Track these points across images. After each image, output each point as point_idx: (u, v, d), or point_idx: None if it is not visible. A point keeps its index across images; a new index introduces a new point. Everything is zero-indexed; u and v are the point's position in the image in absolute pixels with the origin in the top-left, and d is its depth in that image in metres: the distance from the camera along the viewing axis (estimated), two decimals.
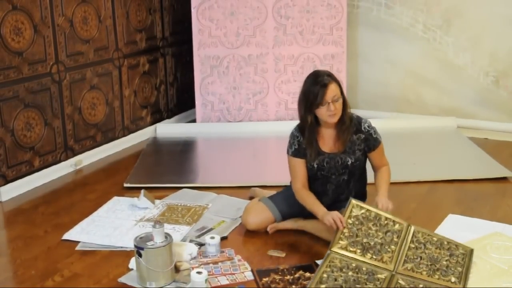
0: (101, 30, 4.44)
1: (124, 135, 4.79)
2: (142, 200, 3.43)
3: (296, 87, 4.98)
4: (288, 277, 2.61)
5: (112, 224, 3.22)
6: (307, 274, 2.62)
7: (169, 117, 5.39)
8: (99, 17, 4.41)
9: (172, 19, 5.29)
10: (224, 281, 2.61)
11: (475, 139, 4.64)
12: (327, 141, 2.87)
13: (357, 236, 2.58)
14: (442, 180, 3.78)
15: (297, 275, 2.62)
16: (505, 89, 4.87)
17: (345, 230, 2.59)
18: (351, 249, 2.53)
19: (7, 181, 3.72)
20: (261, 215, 3.04)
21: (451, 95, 5.11)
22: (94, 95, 4.43)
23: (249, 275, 2.65)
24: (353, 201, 2.70)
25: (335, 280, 2.38)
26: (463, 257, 2.58)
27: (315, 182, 2.92)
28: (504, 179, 3.80)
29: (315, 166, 2.86)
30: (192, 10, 4.98)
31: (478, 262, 2.67)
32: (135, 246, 2.55)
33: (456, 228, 3.05)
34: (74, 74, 4.22)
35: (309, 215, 2.98)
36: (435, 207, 3.37)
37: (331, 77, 2.74)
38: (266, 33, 5.02)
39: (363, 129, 2.86)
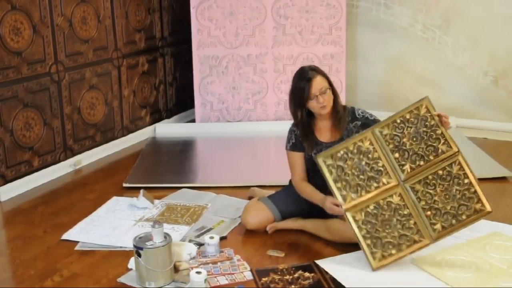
0: (100, 30, 4.44)
1: (123, 135, 4.78)
2: (141, 200, 3.43)
3: None
4: (288, 277, 2.61)
5: (111, 224, 3.21)
6: (307, 274, 2.62)
7: (168, 117, 5.39)
8: (98, 17, 4.41)
9: (171, 19, 5.28)
10: (223, 281, 2.60)
11: (475, 139, 4.64)
12: (324, 131, 2.92)
13: (349, 181, 2.66)
14: None
15: (296, 275, 2.62)
16: (504, 89, 4.87)
17: (338, 185, 2.68)
18: (354, 196, 2.64)
19: (6, 181, 3.71)
20: (260, 214, 3.04)
21: (450, 95, 5.11)
22: (93, 95, 4.43)
23: (248, 275, 2.65)
24: (319, 159, 2.72)
25: (376, 231, 2.60)
26: (429, 115, 2.66)
27: (314, 175, 2.93)
28: (503, 179, 3.80)
29: (314, 156, 2.88)
30: (191, 10, 4.98)
31: (478, 262, 2.67)
32: (134, 246, 2.55)
33: None
34: (73, 74, 4.22)
35: (308, 214, 2.98)
36: None
37: (315, 70, 2.81)
38: (265, 33, 5.02)
39: (357, 115, 2.91)
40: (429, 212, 2.62)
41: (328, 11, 5.00)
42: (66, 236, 3.10)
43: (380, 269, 2.60)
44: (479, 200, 2.61)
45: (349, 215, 2.64)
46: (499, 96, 4.90)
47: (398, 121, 2.70)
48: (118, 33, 4.63)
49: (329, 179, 2.69)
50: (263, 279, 2.60)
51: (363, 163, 2.67)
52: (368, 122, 2.89)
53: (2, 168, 3.69)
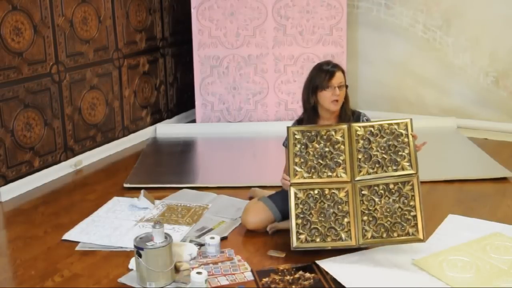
0: (101, 30, 4.44)
1: (124, 135, 4.79)
2: (142, 200, 3.43)
3: (296, 87, 4.99)
4: (288, 277, 2.61)
5: (112, 225, 3.22)
6: (307, 275, 2.62)
7: (169, 117, 5.39)
8: (99, 17, 4.41)
9: (172, 20, 5.29)
10: (224, 281, 2.61)
11: (475, 139, 4.64)
12: None
13: (307, 160, 2.76)
14: (442, 180, 3.78)
15: (297, 276, 2.62)
16: (505, 89, 4.87)
17: (296, 159, 2.76)
18: (306, 175, 2.74)
19: (7, 181, 3.72)
20: (260, 214, 3.05)
21: (451, 95, 5.11)
22: (94, 95, 4.43)
23: (249, 276, 2.65)
24: (290, 128, 2.83)
25: (310, 214, 2.68)
26: (405, 133, 2.74)
27: None
28: (504, 179, 3.80)
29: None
30: (192, 11, 4.98)
31: (478, 262, 2.67)
32: (135, 247, 2.55)
33: (456, 228, 3.05)
34: (74, 75, 4.22)
35: None
36: (435, 207, 3.37)
37: (338, 66, 2.92)
38: (266, 34, 5.02)
39: (361, 120, 2.96)
40: (366, 218, 2.68)
41: (329, 11, 5.00)
42: (67, 236, 3.10)
43: (298, 249, 2.70)
44: (415, 225, 2.65)
45: (292, 190, 2.74)
46: (500, 97, 4.90)
47: (376, 127, 2.79)
48: (119, 33, 4.64)
49: (291, 150, 2.79)
50: (264, 279, 2.60)
51: (327, 150, 2.76)
52: None
53: (2, 169, 3.69)
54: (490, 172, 3.89)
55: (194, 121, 5.28)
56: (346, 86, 2.91)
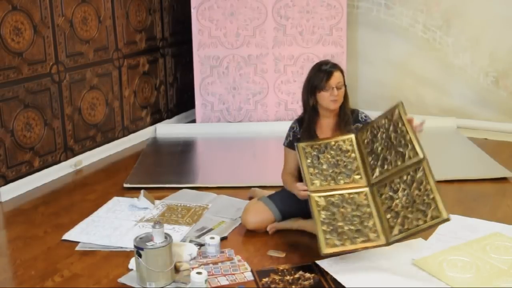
0: (101, 30, 4.44)
1: (124, 136, 4.79)
2: (142, 200, 3.43)
3: (296, 88, 4.99)
4: (288, 277, 2.61)
5: (112, 225, 3.22)
6: (307, 275, 2.61)
7: (169, 117, 5.39)
8: (99, 17, 4.41)
9: (172, 20, 5.29)
10: (224, 281, 2.60)
11: (475, 139, 4.64)
12: (325, 130, 2.96)
13: (322, 170, 2.78)
14: (442, 180, 3.77)
15: (297, 276, 2.62)
16: (505, 89, 4.87)
17: (311, 170, 2.79)
18: (323, 183, 2.75)
19: (7, 182, 3.72)
20: (260, 214, 3.05)
21: (451, 95, 5.11)
22: (94, 95, 4.43)
23: (249, 276, 2.65)
24: (299, 145, 2.86)
25: (334, 219, 2.65)
26: (406, 130, 2.71)
27: None
28: (504, 179, 3.80)
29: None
30: (192, 11, 4.98)
31: (478, 262, 2.67)
32: (135, 247, 2.55)
33: (456, 228, 3.05)
34: (74, 75, 4.22)
35: (309, 214, 2.97)
36: None
37: (336, 66, 2.92)
38: (266, 34, 5.02)
39: (360, 119, 2.97)
40: (389, 215, 2.64)
41: (329, 11, 5.00)
42: (67, 236, 3.10)
43: (328, 255, 2.62)
44: (436, 208, 2.58)
45: (312, 198, 2.73)
46: (500, 97, 4.90)
47: (375, 125, 2.80)
48: (119, 33, 4.64)
49: (304, 163, 2.81)
50: (264, 279, 2.60)
51: (339, 158, 2.80)
52: None
53: (2, 169, 3.69)
54: (490, 172, 3.89)
55: (194, 121, 5.28)
56: (345, 85, 2.91)
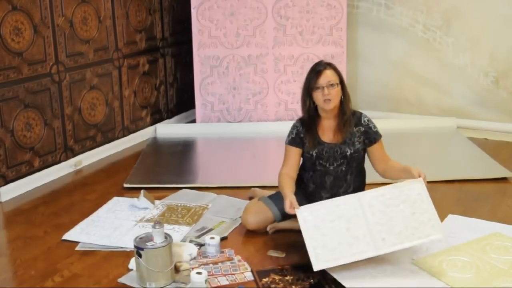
0: (101, 30, 4.44)
1: (124, 136, 4.79)
2: (142, 200, 3.43)
3: (296, 87, 4.99)
4: (288, 277, 2.61)
5: (112, 225, 3.21)
6: (307, 275, 2.61)
7: (169, 117, 5.39)
8: (99, 17, 4.41)
9: (172, 20, 5.29)
10: (224, 281, 2.60)
11: (475, 140, 4.64)
12: (327, 132, 2.94)
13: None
14: (442, 180, 3.78)
15: (297, 276, 2.62)
16: (505, 89, 4.87)
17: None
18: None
19: (7, 182, 3.72)
20: (261, 214, 3.04)
21: (451, 96, 5.11)
22: (94, 95, 4.43)
23: (249, 276, 2.65)
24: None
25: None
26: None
27: (314, 174, 2.95)
28: (504, 179, 3.80)
29: (314, 154, 2.91)
30: (192, 11, 4.98)
31: (478, 262, 2.67)
32: (135, 247, 2.55)
33: (456, 228, 3.05)
34: (74, 75, 4.22)
35: None
36: (435, 207, 3.36)
37: (329, 65, 2.88)
38: (266, 34, 5.02)
39: (362, 122, 2.94)
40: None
41: (329, 11, 5.00)
42: (67, 236, 3.10)
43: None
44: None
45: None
46: (500, 97, 4.90)
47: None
48: (119, 33, 4.64)
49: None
50: (264, 279, 2.60)
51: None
52: (369, 132, 2.92)
53: (2, 169, 3.69)
54: (490, 172, 3.89)
55: (194, 121, 5.29)
56: (344, 85, 2.88)
